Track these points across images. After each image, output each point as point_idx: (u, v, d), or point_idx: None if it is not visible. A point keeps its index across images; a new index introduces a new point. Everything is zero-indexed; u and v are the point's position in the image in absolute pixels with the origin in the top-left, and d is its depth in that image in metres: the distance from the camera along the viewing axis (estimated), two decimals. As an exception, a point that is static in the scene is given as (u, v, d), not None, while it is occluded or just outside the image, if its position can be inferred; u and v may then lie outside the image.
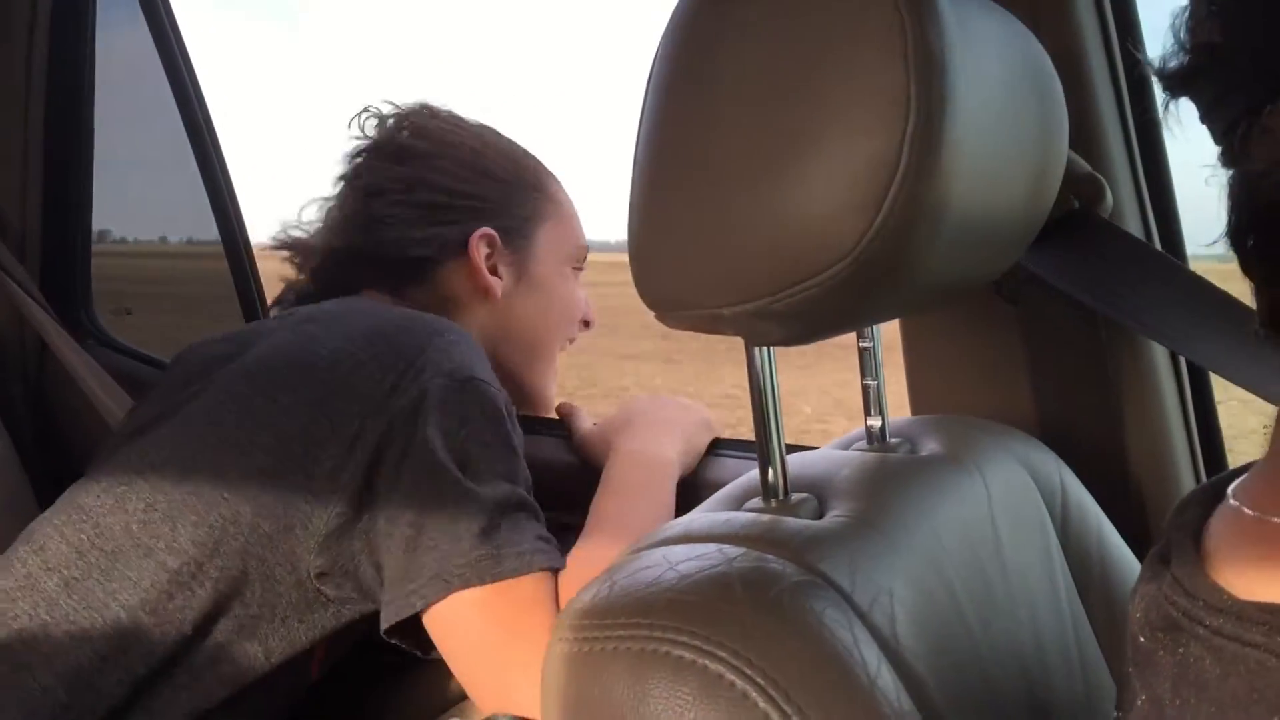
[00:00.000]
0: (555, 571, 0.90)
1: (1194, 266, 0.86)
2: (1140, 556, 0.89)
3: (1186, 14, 0.46)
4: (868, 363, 0.79)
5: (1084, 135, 0.88)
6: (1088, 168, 0.87)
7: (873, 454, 0.75)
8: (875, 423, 0.78)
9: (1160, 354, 0.92)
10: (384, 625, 0.90)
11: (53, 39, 1.62)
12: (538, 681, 0.82)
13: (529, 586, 0.88)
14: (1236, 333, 0.75)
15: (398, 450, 0.90)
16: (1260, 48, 0.42)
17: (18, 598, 0.90)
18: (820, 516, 0.62)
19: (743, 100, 0.54)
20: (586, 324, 1.26)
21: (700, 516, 0.60)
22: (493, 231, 1.14)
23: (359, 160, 1.18)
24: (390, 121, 1.19)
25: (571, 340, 1.25)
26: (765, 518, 0.59)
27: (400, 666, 1.17)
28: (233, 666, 0.92)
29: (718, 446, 1.16)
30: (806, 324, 0.56)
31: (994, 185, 0.63)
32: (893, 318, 0.76)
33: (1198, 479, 0.93)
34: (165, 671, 0.90)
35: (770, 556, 0.53)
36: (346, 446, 0.90)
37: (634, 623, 0.52)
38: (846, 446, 0.79)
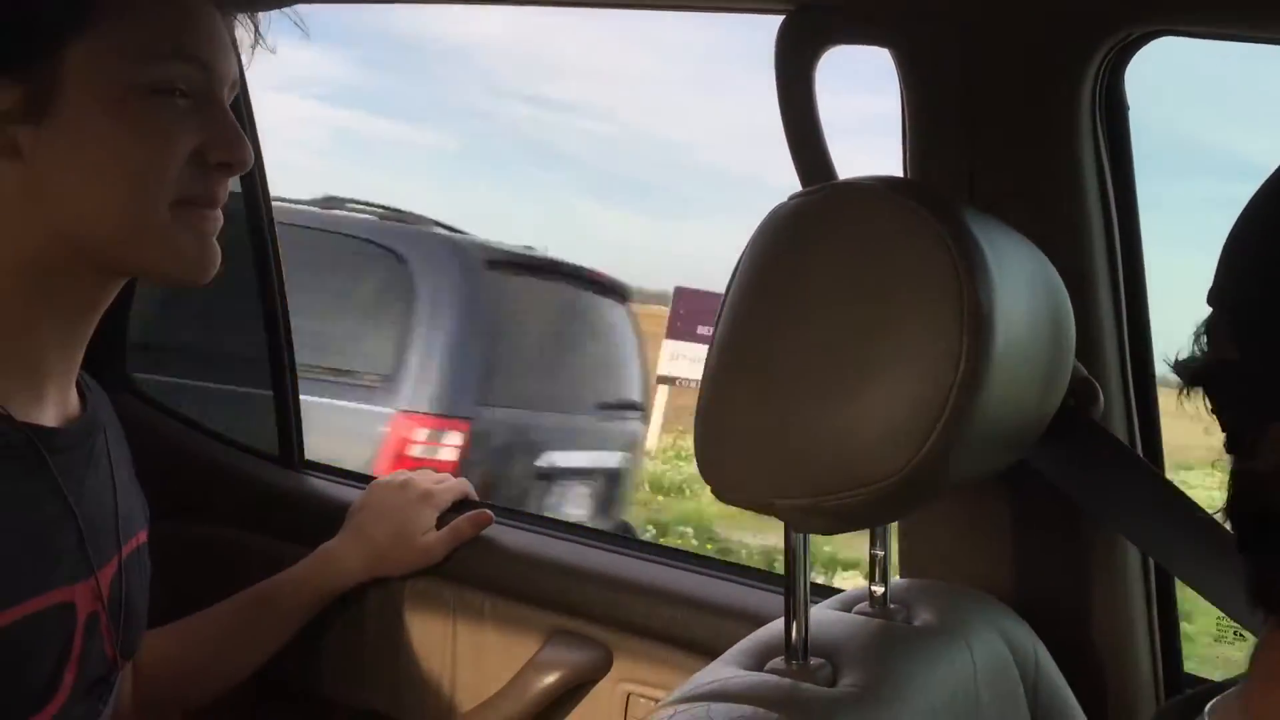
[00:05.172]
0: None
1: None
2: (1096, 729, 0.98)
3: (1206, 327, 0.54)
4: (878, 534, 0.88)
5: (1084, 342, 0.99)
6: (1085, 372, 0.97)
7: (876, 621, 0.84)
8: (879, 589, 0.87)
9: (1133, 549, 1.01)
10: None
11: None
12: None
13: None
14: (1207, 547, 0.85)
15: None
16: (1266, 372, 0.50)
17: None
18: (834, 682, 0.71)
19: (817, 325, 0.64)
20: (226, 166, 0.86)
21: (734, 676, 0.69)
22: None
23: None
24: None
25: (210, 201, 0.87)
26: (788, 683, 0.68)
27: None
28: None
29: None
30: (846, 521, 0.65)
31: (1016, 403, 0.73)
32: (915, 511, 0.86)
33: (1154, 667, 1.02)
34: None
35: None
36: None
37: None
38: (850, 606, 0.88)
